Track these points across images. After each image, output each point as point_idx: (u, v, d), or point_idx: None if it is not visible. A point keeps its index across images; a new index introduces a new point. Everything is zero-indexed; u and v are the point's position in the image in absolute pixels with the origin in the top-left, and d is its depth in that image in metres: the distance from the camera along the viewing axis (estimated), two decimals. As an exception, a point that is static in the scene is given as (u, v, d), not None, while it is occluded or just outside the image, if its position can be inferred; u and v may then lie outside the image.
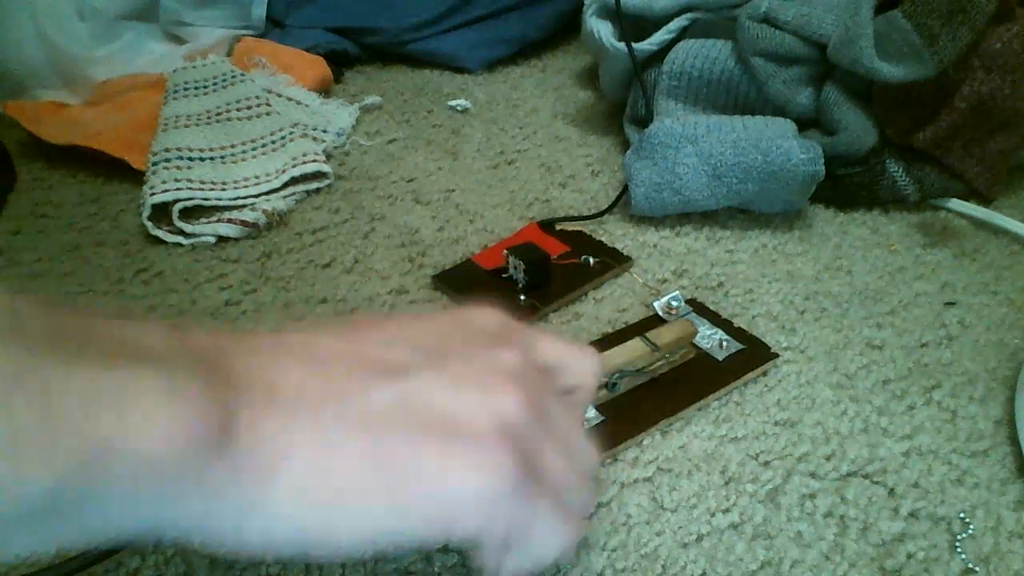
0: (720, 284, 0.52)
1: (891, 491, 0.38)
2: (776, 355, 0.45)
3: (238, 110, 0.70)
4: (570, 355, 0.31)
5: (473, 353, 0.28)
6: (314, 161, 0.63)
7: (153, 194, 0.57)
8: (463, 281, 0.52)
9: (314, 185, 0.64)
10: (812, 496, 0.38)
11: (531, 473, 0.26)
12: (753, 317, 0.49)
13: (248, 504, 0.22)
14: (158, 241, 0.57)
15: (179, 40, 0.88)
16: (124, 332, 0.21)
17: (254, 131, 0.67)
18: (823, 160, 0.54)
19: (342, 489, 0.23)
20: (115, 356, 0.20)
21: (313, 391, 0.24)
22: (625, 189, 0.59)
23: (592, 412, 0.40)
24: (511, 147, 0.70)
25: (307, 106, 0.74)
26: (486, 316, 0.31)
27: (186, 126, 0.67)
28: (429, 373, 0.26)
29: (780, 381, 0.44)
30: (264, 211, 0.59)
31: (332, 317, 0.50)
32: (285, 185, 0.62)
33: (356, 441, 0.23)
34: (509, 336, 0.30)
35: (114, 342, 0.21)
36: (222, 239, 0.58)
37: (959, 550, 0.36)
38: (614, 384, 0.40)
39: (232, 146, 0.65)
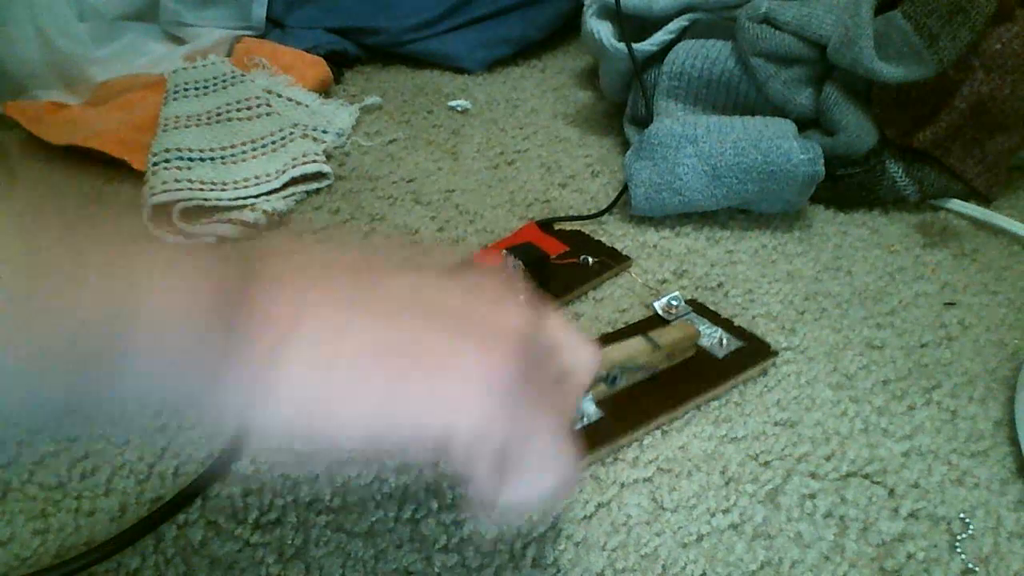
0: (720, 284, 0.52)
1: (891, 491, 0.38)
2: (775, 353, 0.45)
3: (238, 111, 0.70)
4: (571, 339, 0.31)
5: (481, 299, 0.28)
6: (314, 161, 0.63)
7: (154, 194, 0.57)
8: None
9: (314, 185, 0.64)
10: (812, 496, 0.38)
11: (531, 388, 0.25)
12: (753, 317, 0.49)
13: (257, 372, 0.22)
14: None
15: (179, 40, 0.88)
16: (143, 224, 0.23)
17: (254, 131, 0.67)
18: (823, 160, 0.54)
19: (348, 365, 0.23)
20: (140, 236, 0.21)
21: (326, 267, 0.24)
22: (625, 189, 0.59)
23: (592, 408, 0.40)
24: (511, 147, 0.70)
25: (307, 106, 0.74)
26: (496, 278, 0.31)
27: (186, 126, 0.67)
28: (446, 280, 0.26)
29: (780, 381, 0.44)
30: (264, 211, 0.59)
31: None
32: (285, 185, 0.62)
33: (366, 318, 0.23)
34: (517, 298, 0.30)
35: (136, 227, 0.22)
36: (222, 239, 0.58)
37: (959, 550, 0.36)
38: (614, 379, 0.41)
39: (232, 146, 0.65)
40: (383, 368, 0.23)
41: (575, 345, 0.31)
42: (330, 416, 0.23)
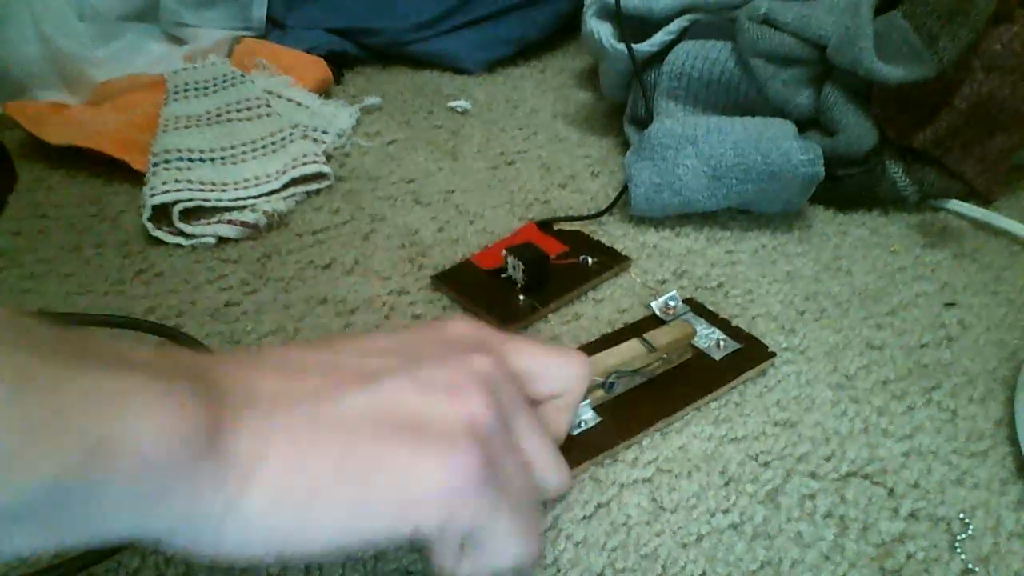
0: (720, 285, 0.52)
1: (891, 491, 0.38)
2: (773, 354, 0.45)
3: (238, 111, 0.70)
4: (552, 362, 0.32)
5: (446, 359, 0.29)
6: (314, 162, 0.63)
7: (153, 195, 0.57)
8: (462, 281, 0.52)
9: (314, 186, 0.64)
10: (812, 496, 0.38)
11: (494, 475, 0.26)
12: (753, 318, 0.49)
13: (227, 504, 0.23)
14: (158, 242, 0.57)
15: (179, 41, 0.88)
16: (117, 346, 0.23)
17: (254, 132, 0.67)
18: (823, 161, 0.54)
19: (314, 487, 0.24)
20: (113, 365, 0.21)
21: (287, 395, 0.25)
22: (625, 189, 0.59)
23: (590, 413, 0.40)
24: (511, 148, 0.70)
25: (307, 107, 0.74)
26: (461, 326, 0.32)
27: (186, 127, 0.67)
28: (400, 378, 0.27)
29: (780, 381, 0.45)
30: (264, 212, 0.59)
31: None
32: (285, 186, 0.62)
33: (327, 441, 0.24)
34: (483, 344, 0.31)
35: (110, 353, 0.22)
36: (222, 240, 0.58)
37: (959, 550, 0.36)
38: (611, 384, 0.40)
39: (232, 147, 0.65)
40: (350, 485, 0.24)
41: (553, 365, 0.32)
42: (303, 533, 0.24)
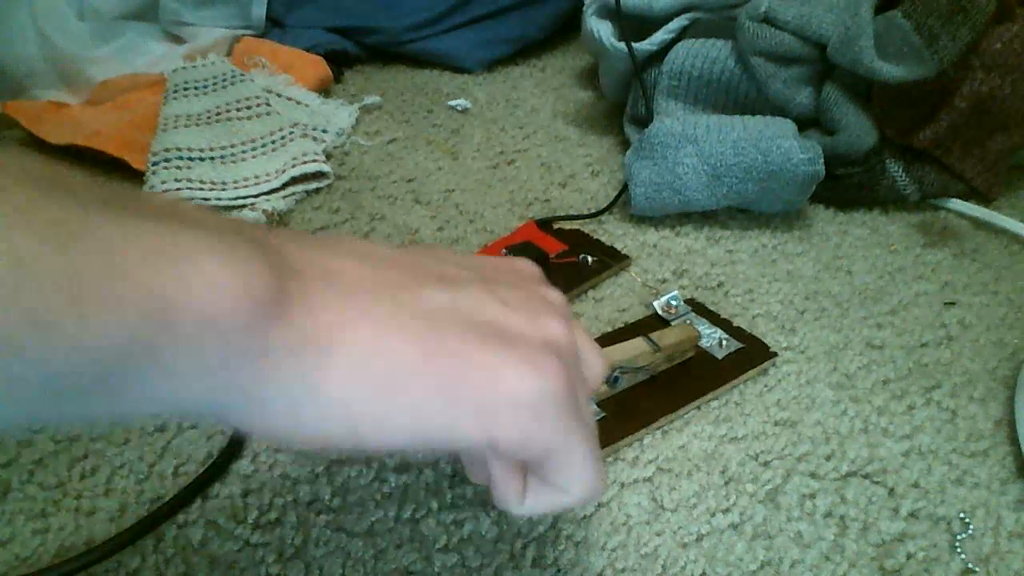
0: (720, 284, 0.52)
1: (891, 491, 0.38)
2: (775, 354, 0.45)
3: (238, 110, 0.70)
4: (586, 345, 0.31)
5: (520, 286, 0.28)
6: (314, 161, 0.63)
7: (153, 194, 0.57)
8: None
9: (314, 185, 0.64)
10: (812, 496, 0.38)
11: (573, 398, 0.25)
12: (753, 317, 0.49)
13: (305, 379, 0.21)
14: (158, 241, 0.57)
15: (179, 40, 0.88)
16: (176, 206, 0.21)
17: (254, 131, 0.67)
18: (823, 160, 0.54)
19: (397, 371, 0.22)
20: (170, 219, 0.19)
21: (367, 279, 0.24)
22: (625, 189, 0.59)
23: (593, 408, 0.40)
24: (511, 147, 0.70)
25: (307, 106, 0.74)
26: (529, 264, 0.31)
27: (186, 126, 0.67)
28: (481, 288, 0.26)
29: (780, 381, 0.44)
30: (264, 211, 0.59)
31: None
32: (285, 185, 0.62)
33: (412, 328, 0.23)
34: (552, 291, 0.30)
35: (166, 208, 0.20)
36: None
37: (959, 550, 0.36)
38: (615, 380, 0.41)
39: (232, 146, 0.65)
40: (434, 373, 0.23)
41: (589, 351, 0.32)
42: (383, 419, 0.22)
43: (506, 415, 0.23)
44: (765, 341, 0.46)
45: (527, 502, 0.26)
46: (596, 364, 0.31)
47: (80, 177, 0.19)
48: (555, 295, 0.28)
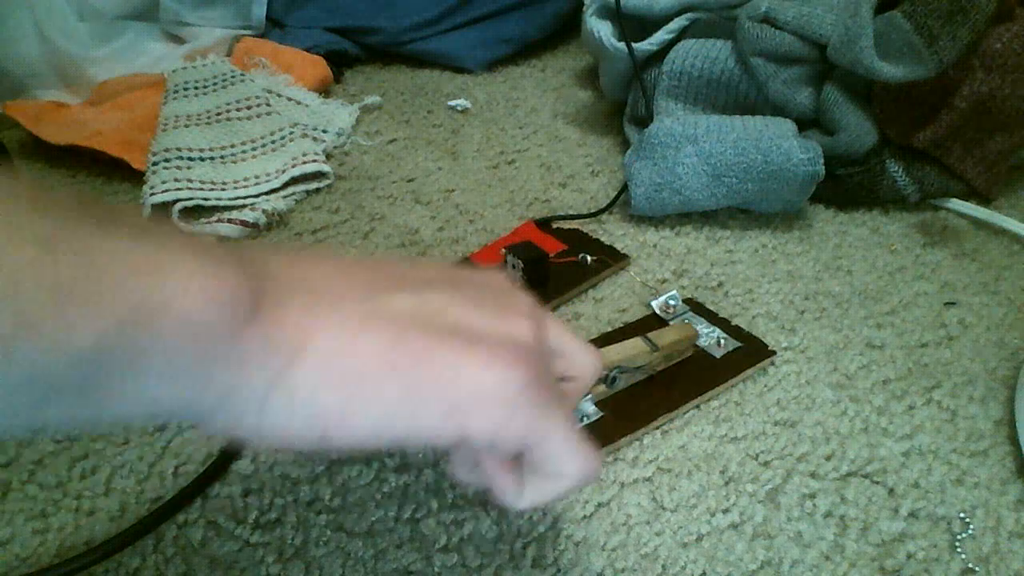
0: (720, 284, 0.52)
1: (891, 491, 0.38)
2: (773, 352, 0.45)
3: (238, 110, 0.70)
4: (573, 342, 0.31)
5: (488, 292, 0.28)
6: (314, 161, 0.63)
7: (153, 194, 0.57)
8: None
9: (314, 185, 0.64)
10: (812, 496, 0.38)
11: (543, 389, 0.25)
12: (753, 317, 0.49)
13: (273, 378, 0.22)
14: (158, 241, 0.57)
15: (179, 40, 0.88)
16: (157, 223, 0.22)
17: (254, 131, 0.67)
18: (823, 160, 0.54)
19: (363, 370, 0.23)
20: (149, 234, 0.20)
21: (337, 285, 0.25)
22: (624, 189, 0.59)
23: (591, 408, 0.40)
24: (511, 147, 0.70)
25: (307, 106, 0.74)
26: (500, 276, 0.32)
27: (186, 126, 0.67)
28: (447, 291, 0.26)
29: (780, 381, 0.44)
30: (264, 211, 0.59)
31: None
32: (285, 185, 0.62)
33: (377, 331, 0.24)
34: (521, 295, 0.30)
35: (144, 224, 0.21)
36: (222, 239, 0.58)
37: (959, 550, 0.36)
38: (613, 379, 0.41)
39: (232, 146, 0.65)
40: (399, 372, 0.23)
41: (576, 349, 0.32)
42: (347, 417, 0.23)
43: (474, 409, 0.24)
44: (765, 341, 0.46)
45: (527, 494, 0.27)
46: (585, 361, 0.31)
47: (66, 193, 0.20)
48: (524, 300, 0.29)
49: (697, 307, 0.49)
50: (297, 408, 0.22)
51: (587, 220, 0.59)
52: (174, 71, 0.75)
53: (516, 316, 0.27)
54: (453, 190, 0.64)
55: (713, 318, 0.48)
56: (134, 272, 0.19)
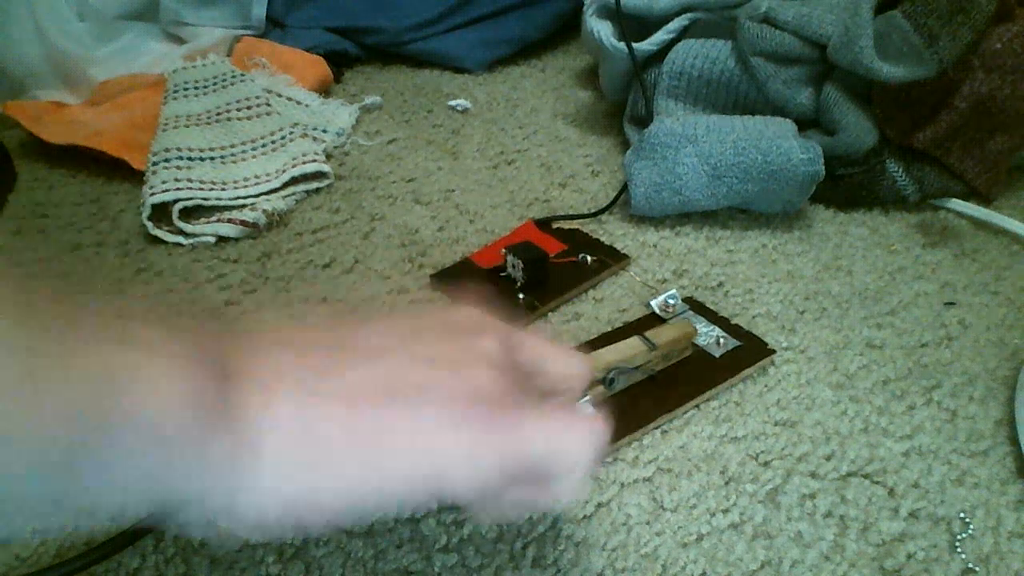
0: (720, 284, 0.52)
1: (891, 491, 0.38)
2: (773, 351, 0.45)
3: (238, 110, 0.70)
4: (553, 356, 0.32)
5: (449, 339, 0.29)
6: (314, 161, 0.63)
7: (153, 194, 0.57)
8: (461, 280, 0.52)
9: (314, 185, 0.64)
10: (812, 496, 0.38)
11: (509, 411, 0.26)
12: (753, 317, 0.49)
13: (239, 475, 0.23)
14: (158, 241, 0.57)
15: (179, 40, 0.88)
16: (119, 320, 0.23)
17: (254, 131, 0.67)
18: (823, 160, 0.54)
19: (322, 452, 0.24)
20: (117, 340, 0.21)
21: (292, 371, 0.25)
22: (624, 189, 0.59)
23: (590, 410, 0.40)
24: (511, 147, 0.70)
25: (307, 106, 0.74)
26: (468, 313, 0.32)
27: (186, 126, 0.67)
28: (404, 354, 0.27)
29: (780, 381, 0.44)
30: (264, 211, 0.59)
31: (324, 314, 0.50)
32: (285, 185, 0.62)
33: (332, 413, 0.25)
34: (488, 330, 0.31)
35: (113, 327, 0.22)
36: (222, 239, 0.58)
37: (959, 550, 0.36)
38: (611, 381, 0.41)
39: (232, 146, 0.65)
40: (359, 449, 0.24)
41: (559, 358, 0.32)
42: (316, 503, 0.24)
43: (442, 469, 0.25)
44: (765, 341, 0.46)
45: (564, 490, 0.27)
46: (568, 372, 0.32)
47: (44, 290, 0.22)
48: (488, 341, 0.29)
49: (697, 307, 0.49)
50: (266, 499, 0.23)
51: (587, 220, 0.59)
52: (174, 71, 0.75)
53: (476, 367, 0.28)
54: (453, 190, 0.64)
55: (713, 317, 0.48)
56: (109, 377, 0.20)
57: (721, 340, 0.45)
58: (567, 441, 0.27)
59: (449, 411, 0.25)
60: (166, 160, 0.61)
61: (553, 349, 0.32)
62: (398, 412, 0.25)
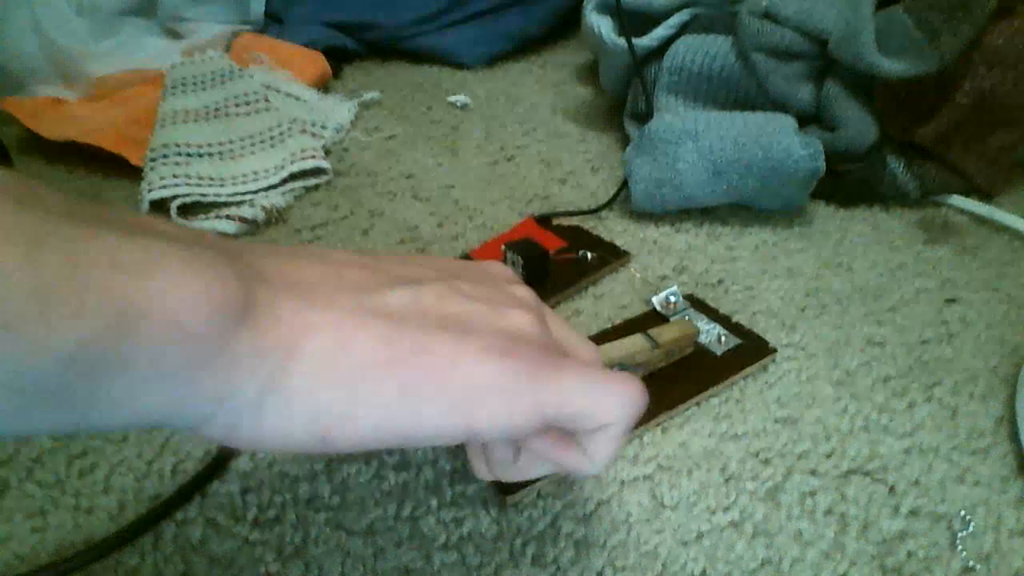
0: (720, 281, 0.52)
1: (891, 489, 0.38)
2: (774, 350, 0.45)
3: (236, 106, 0.69)
4: (572, 339, 0.31)
5: (489, 283, 0.28)
6: (313, 157, 0.63)
7: (151, 190, 0.57)
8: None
9: (313, 181, 0.63)
10: (812, 494, 0.38)
11: (545, 360, 0.25)
12: (753, 314, 0.49)
13: (268, 382, 0.21)
14: (156, 238, 0.57)
15: (177, 36, 0.88)
16: (148, 220, 0.21)
17: (252, 127, 0.67)
18: (824, 156, 0.54)
19: (359, 369, 0.22)
20: (137, 231, 0.20)
21: (329, 284, 0.24)
22: (624, 185, 0.58)
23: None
24: (511, 143, 0.70)
25: (306, 102, 0.74)
26: (501, 267, 0.31)
27: (184, 122, 0.67)
28: (443, 284, 0.26)
29: (780, 378, 0.44)
30: (263, 207, 0.59)
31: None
32: (284, 181, 0.62)
33: (372, 326, 0.23)
34: (522, 284, 0.30)
35: (133, 220, 0.20)
36: (220, 235, 0.57)
37: (960, 548, 0.35)
38: None
39: (231, 142, 0.65)
40: (397, 370, 0.23)
41: (575, 345, 0.31)
42: (348, 417, 0.22)
43: (475, 403, 0.23)
44: (765, 338, 0.46)
45: (592, 459, 0.26)
46: (585, 357, 0.31)
47: (54, 190, 0.19)
48: (524, 291, 0.29)
49: (697, 304, 0.49)
50: (295, 411, 0.22)
51: (587, 217, 0.59)
52: (172, 67, 0.75)
53: (514, 307, 0.27)
54: (453, 186, 0.64)
55: (714, 315, 0.48)
56: (122, 272, 0.18)
57: (722, 338, 0.45)
58: (609, 394, 0.26)
59: (489, 344, 0.24)
60: (164, 156, 0.61)
61: (572, 332, 0.32)
62: (440, 338, 0.24)
